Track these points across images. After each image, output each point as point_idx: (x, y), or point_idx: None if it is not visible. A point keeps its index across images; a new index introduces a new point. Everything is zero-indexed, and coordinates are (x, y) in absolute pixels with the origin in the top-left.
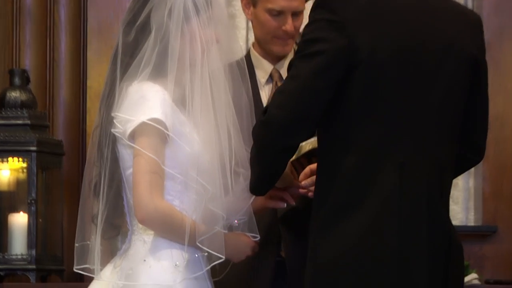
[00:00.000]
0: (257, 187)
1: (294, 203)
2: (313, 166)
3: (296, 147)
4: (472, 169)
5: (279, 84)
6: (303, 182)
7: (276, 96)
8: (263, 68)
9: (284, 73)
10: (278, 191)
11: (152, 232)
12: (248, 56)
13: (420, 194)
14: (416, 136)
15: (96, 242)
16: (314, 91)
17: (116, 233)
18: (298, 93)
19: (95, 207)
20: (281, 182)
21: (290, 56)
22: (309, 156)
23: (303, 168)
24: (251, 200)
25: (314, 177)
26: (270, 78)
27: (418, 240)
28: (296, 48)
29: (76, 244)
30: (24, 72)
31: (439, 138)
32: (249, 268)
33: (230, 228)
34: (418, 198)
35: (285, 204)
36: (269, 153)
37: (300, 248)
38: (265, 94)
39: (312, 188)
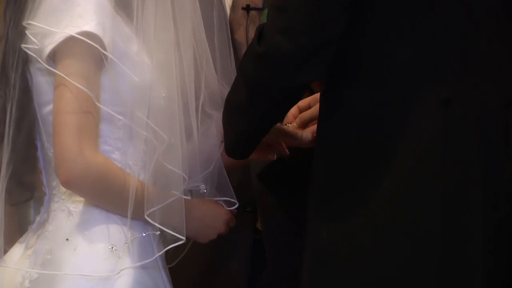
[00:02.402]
0: (239, 146)
1: (287, 153)
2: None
3: (306, 87)
4: None
5: None
6: (304, 135)
7: (274, 15)
8: None
9: None
10: None
11: (81, 199)
12: None
13: (473, 141)
14: (467, 60)
15: None
16: (331, 3)
17: (27, 197)
18: (310, 8)
19: None
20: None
21: None
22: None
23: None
24: (220, 148)
25: (315, 127)
26: None
27: (469, 211)
28: None
29: None
30: None
31: (500, 61)
32: (215, 251)
33: (196, 193)
34: (470, 148)
35: (275, 155)
36: (269, 98)
37: (288, 220)
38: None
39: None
